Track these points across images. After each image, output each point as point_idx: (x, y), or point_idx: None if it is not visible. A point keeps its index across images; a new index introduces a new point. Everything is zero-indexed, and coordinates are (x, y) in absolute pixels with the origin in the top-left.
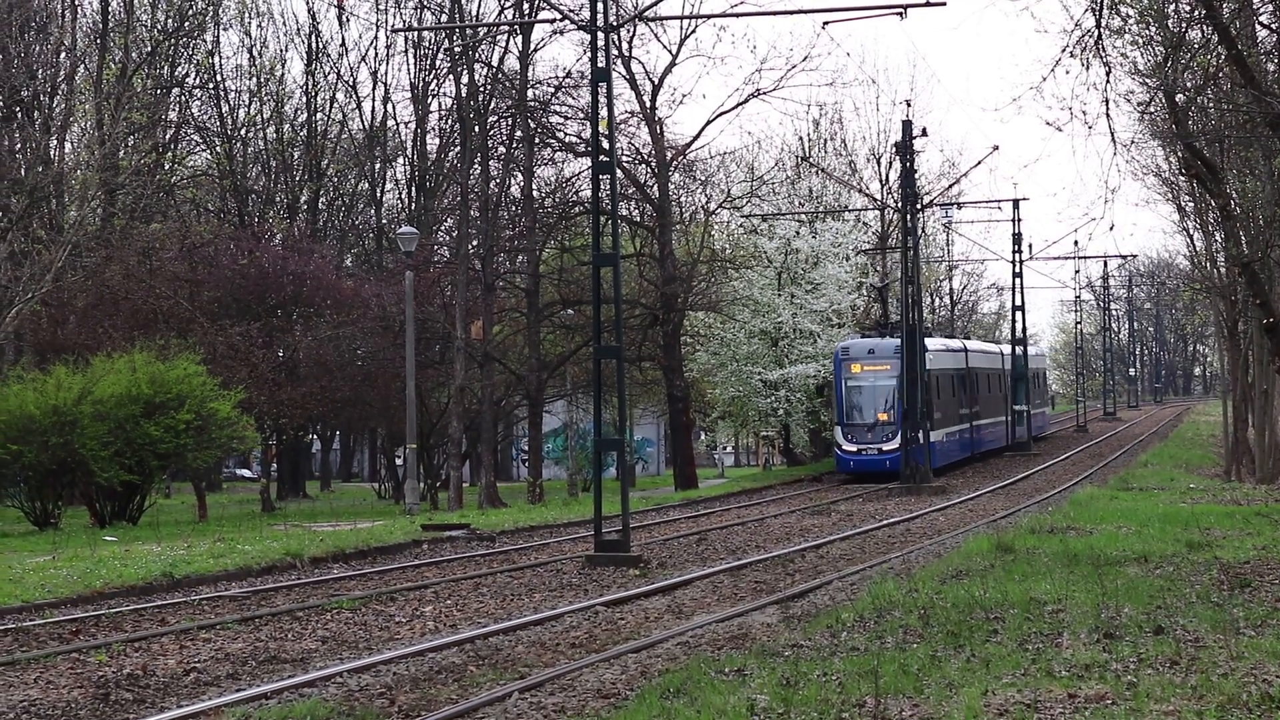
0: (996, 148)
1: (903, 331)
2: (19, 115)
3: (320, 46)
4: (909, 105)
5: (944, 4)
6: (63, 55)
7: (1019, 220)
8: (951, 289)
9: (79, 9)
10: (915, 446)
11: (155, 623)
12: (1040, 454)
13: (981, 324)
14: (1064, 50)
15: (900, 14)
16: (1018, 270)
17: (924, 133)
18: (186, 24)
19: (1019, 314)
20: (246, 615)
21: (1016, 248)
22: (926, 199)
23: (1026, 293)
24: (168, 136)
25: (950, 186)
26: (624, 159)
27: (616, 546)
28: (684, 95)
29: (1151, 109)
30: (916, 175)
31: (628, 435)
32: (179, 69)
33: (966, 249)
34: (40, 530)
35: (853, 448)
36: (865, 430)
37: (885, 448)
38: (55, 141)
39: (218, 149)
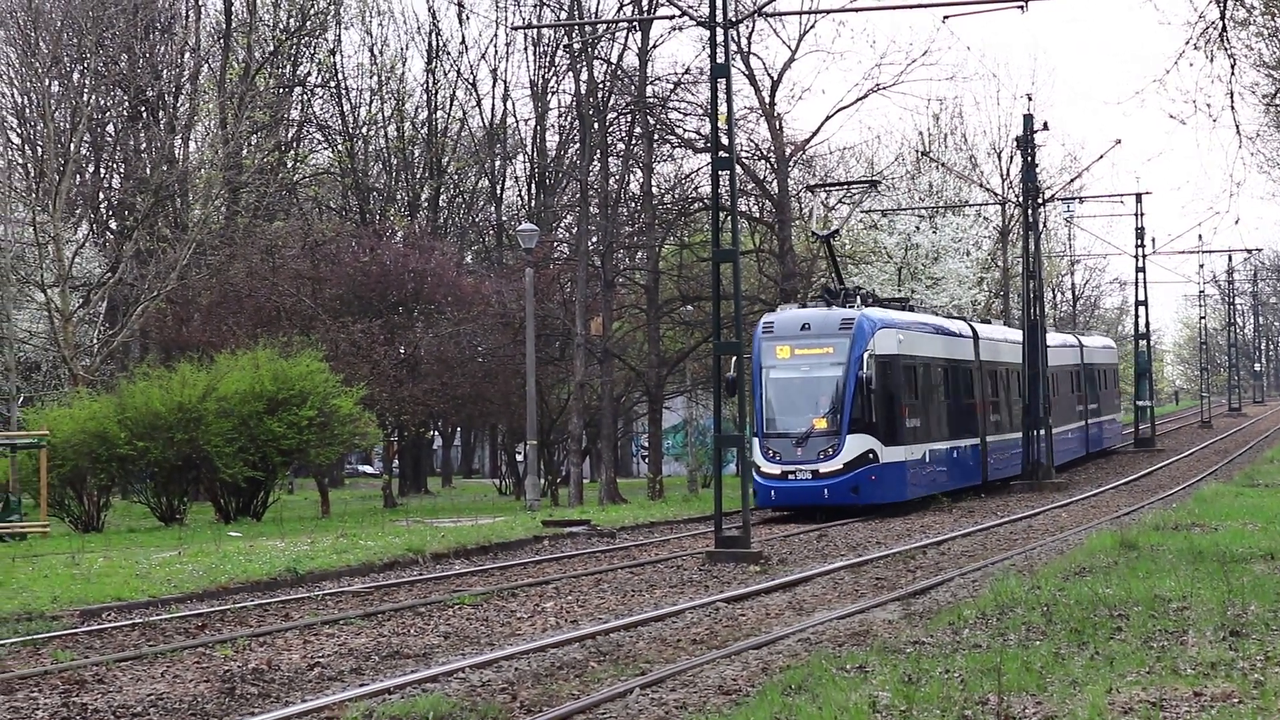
0: (1119, 141)
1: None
2: (144, 115)
3: (440, 44)
4: (1030, 99)
5: None
6: (187, 55)
7: (1141, 214)
8: (1073, 284)
9: (203, 9)
10: (1038, 443)
11: (279, 618)
12: (1163, 450)
13: (1103, 319)
14: (1187, 42)
15: (1021, 7)
16: (1140, 265)
17: (1045, 126)
18: (308, 23)
19: (1142, 309)
20: (369, 610)
21: (1139, 242)
22: (1048, 193)
23: (1149, 287)
24: (290, 135)
25: (1072, 181)
26: (743, 155)
27: (737, 543)
28: (803, 90)
29: (1278, 101)
30: (1037, 169)
31: (747, 432)
32: (301, 68)
33: (1088, 244)
34: (166, 526)
35: (774, 469)
36: (793, 443)
37: (824, 468)
38: (180, 141)
39: (339, 147)
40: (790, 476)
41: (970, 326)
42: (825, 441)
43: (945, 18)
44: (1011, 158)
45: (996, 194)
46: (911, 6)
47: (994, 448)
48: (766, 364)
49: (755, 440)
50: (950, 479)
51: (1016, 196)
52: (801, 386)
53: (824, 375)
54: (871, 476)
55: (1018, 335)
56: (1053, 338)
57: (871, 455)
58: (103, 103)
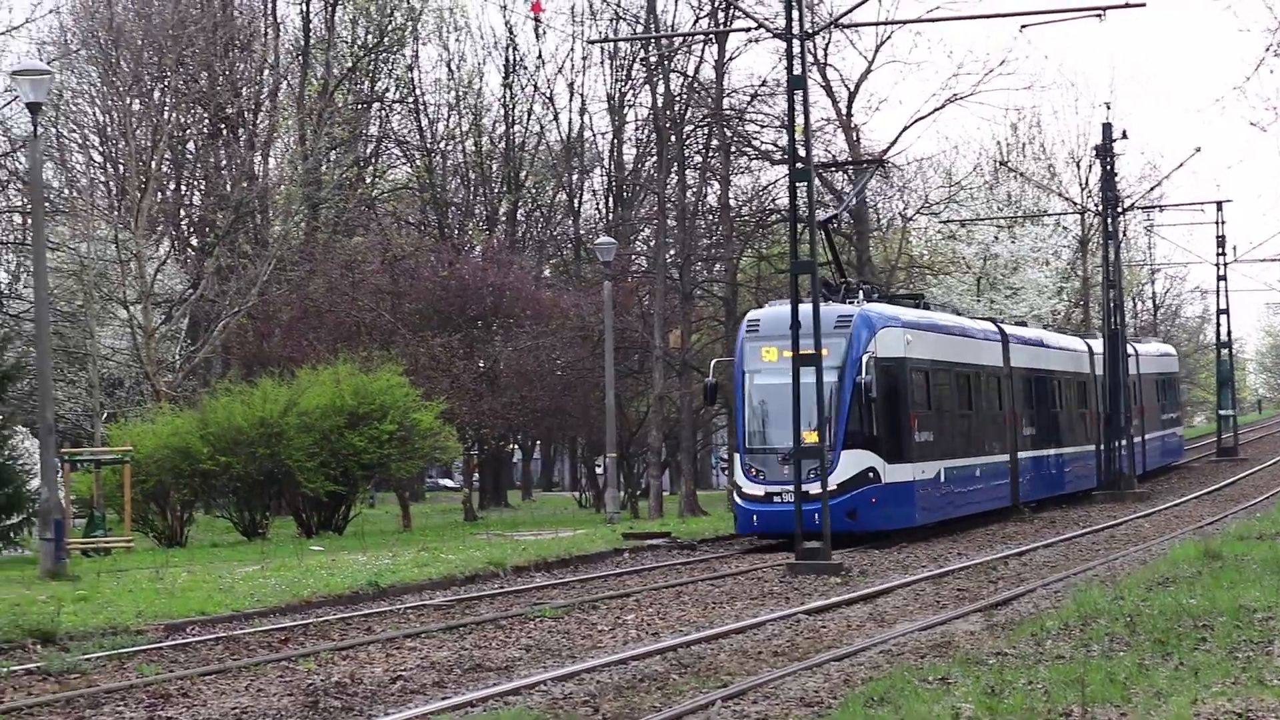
0: (1199, 149)
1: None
2: (224, 132)
3: (517, 59)
4: (1108, 107)
5: (1144, 4)
6: (266, 72)
7: (1223, 222)
8: (1154, 293)
9: (282, 27)
10: (1121, 452)
11: (362, 631)
12: (1246, 459)
13: (1185, 328)
14: (1267, 49)
15: (1099, 15)
16: (1222, 273)
17: (1124, 135)
18: (386, 39)
19: (1224, 317)
20: (451, 624)
21: (1220, 250)
22: (1127, 202)
23: (1231, 295)
24: (369, 150)
25: (1151, 189)
26: (821, 166)
27: (817, 554)
28: (880, 101)
29: None
30: (1117, 178)
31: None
32: (379, 84)
33: (1169, 252)
34: (248, 540)
35: (757, 490)
36: (778, 460)
37: (815, 490)
38: (260, 157)
39: (417, 162)
40: (775, 499)
41: (999, 328)
42: (816, 458)
43: (1023, 27)
44: (1090, 166)
45: (1075, 203)
46: (989, 16)
47: (1027, 465)
48: (750, 368)
49: (736, 457)
50: (972, 501)
51: (1096, 205)
52: (789, 395)
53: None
54: (872, 499)
55: (1063, 340)
56: (1098, 344)
57: (872, 474)
58: (183, 120)
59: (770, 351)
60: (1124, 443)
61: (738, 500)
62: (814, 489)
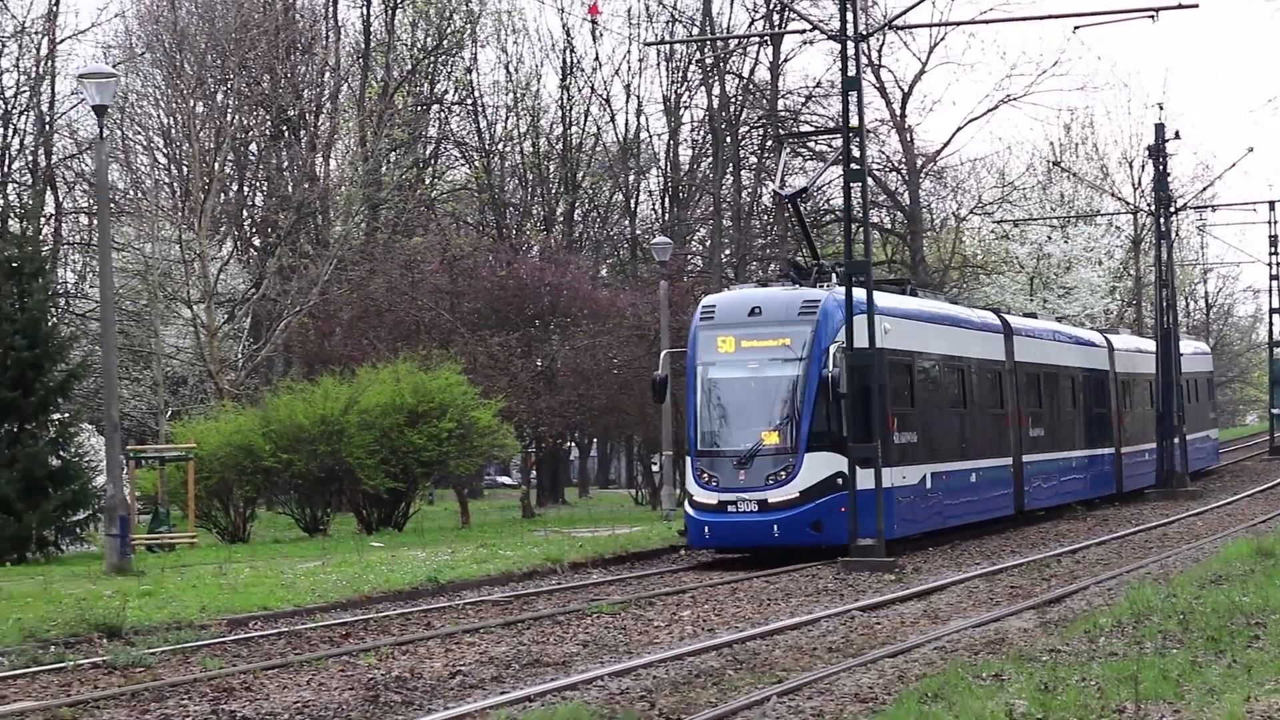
0: (1251, 149)
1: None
2: (286, 134)
3: (574, 61)
4: (1161, 108)
5: (1196, 5)
6: (327, 75)
7: (1275, 222)
8: (1206, 292)
9: (342, 30)
10: (1171, 451)
11: (421, 626)
12: None
13: (1237, 327)
14: None
15: (1152, 16)
16: (1274, 272)
17: (1176, 135)
18: (445, 42)
19: (1276, 316)
20: (509, 619)
21: (1273, 249)
22: (1180, 202)
23: None
24: (428, 152)
25: (1204, 189)
26: (874, 167)
27: (871, 551)
28: (934, 102)
29: None
30: (1169, 178)
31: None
32: (438, 86)
33: (1221, 252)
34: (310, 536)
35: (709, 498)
36: (734, 464)
37: (775, 497)
38: (321, 158)
39: (476, 163)
40: (730, 508)
41: (1002, 319)
42: (776, 462)
43: (1076, 28)
44: (1143, 167)
45: (1128, 203)
46: (1042, 18)
47: (1035, 470)
48: (703, 360)
49: (688, 460)
50: (967, 510)
51: (1148, 205)
52: (747, 390)
53: (776, 375)
54: (841, 508)
55: (1080, 333)
56: (1122, 340)
57: (840, 480)
58: (246, 122)
59: (726, 341)
60: (1176, 441)
61: (688, 509)
62: (774, 496)
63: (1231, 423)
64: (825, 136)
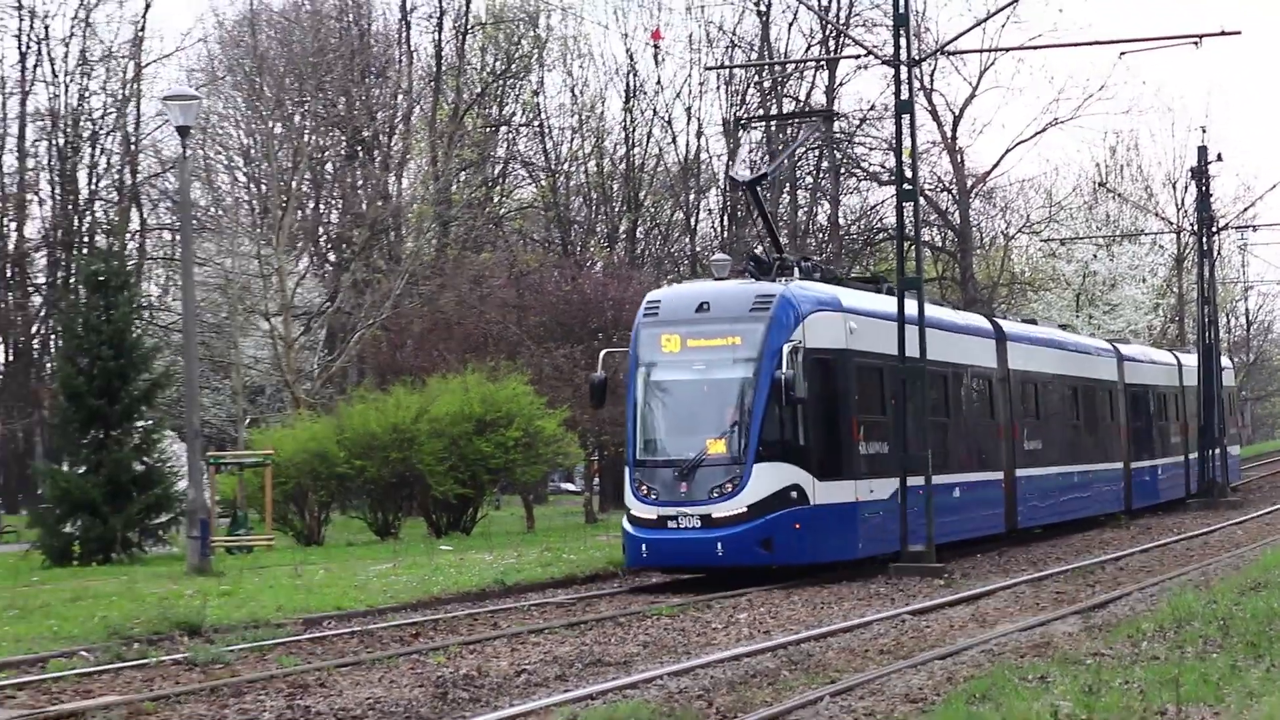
0: None
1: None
2: (361, 154)
3: (638, 85)
4: (1204, 131)
5: (1239, 33)
6: (400, 97)
7: None
8: (1247, 309)
9: (415, 54)
10: (1214, 463)
11: (488, 627)
12: None
13: (1277, 343)
14: None
15: (1196, 42)
16: None
17: (1219, 158)
18: (513, 66)
19: None
20: (572, 620)
21: None
22: (1222, 221)
23: None
24: (496, 171)
25: (1245, 209)
26: (926, 187)
27: (921, 557)
28: (984, 125)
29: None
30: (1212, 199)
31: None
32: (506, 108)
33: (1262, 270)
34: (382, 540)
35: (649, 512)
36: (675, 475)
37: (719, 512)
38: (394, 177)
39: (542, 182)
40: (670, 524)
41: (995, 325)
42: (722, 473)
43: (1122, 54)
44: (1186, 188)
45: (1172, 223)
46: (1089, 44)
47: (1030, 486)
48: (645, 360)
49: (626, 470)
50: (950, 526)
51: (1191, 225)
52: (691, 393)
53: (724, 377)
54: (795, 524)
55: (1085, 342)
56: (1133, 350)
57: (796, 493)
58: (322, 143)
59: (671, 340)
60: (1216, 452)
61: (625, 525)
62: (719, 511)
63: (1271, 435)
64: (879, 158)
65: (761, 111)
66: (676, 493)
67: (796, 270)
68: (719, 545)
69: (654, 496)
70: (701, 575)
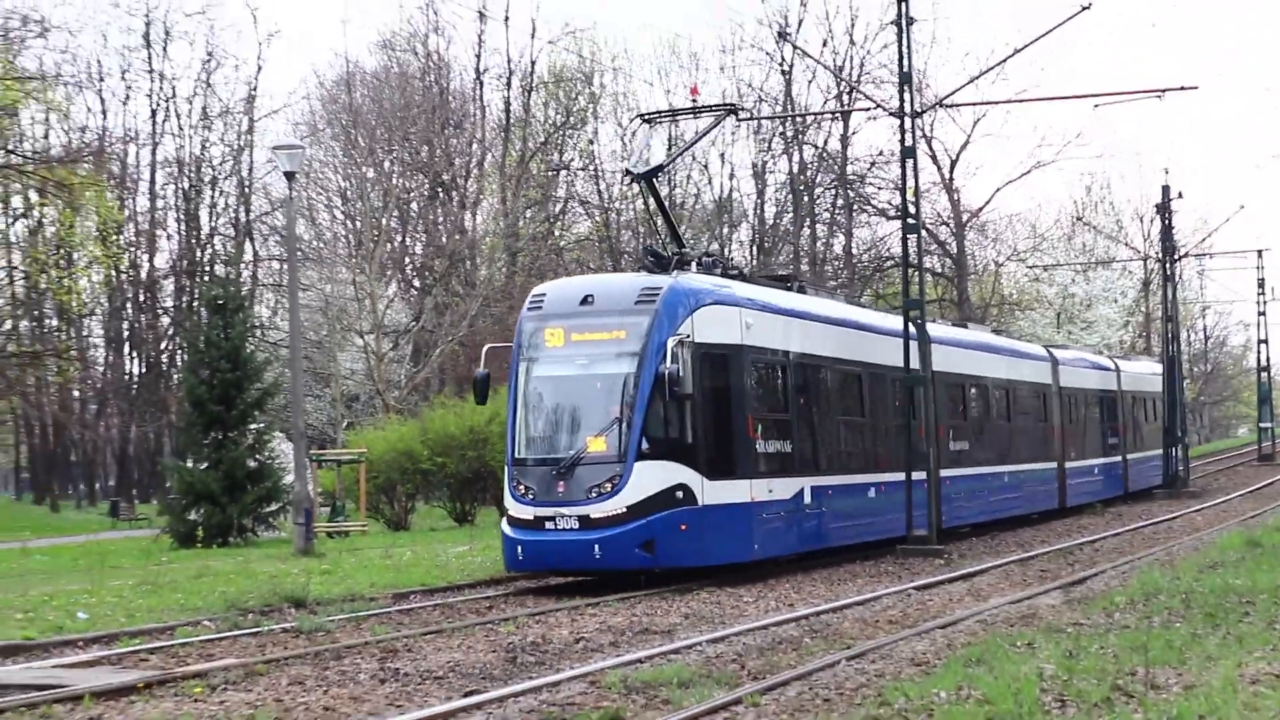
0: (1243, 206)
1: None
2: (440, 194)
3: (678, 134)
4: (1166, 172)
5: (1196, 88)
6: (474, 146)
7: (1262, 267)
8: (1204, 325)
9: (487, 109)
10: (1174, 458)
11: (552, 600)
12: None
13: (1230, 354)
14: None
15: (1159, 95)
16: (1261, 309)
17: (1179, 195)
18: (571, 119)
19: (1263, 345)
20: (624, 595)
21: (1260, 290)
22: (1182, 250)
23: (1270, 327)
24: (557, 209)
25: (1203, 240)
26: (928, 221)
27: (925, 541)
28: (977, 168)
29: None
30: (1174, 230)
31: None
32: (566, 154)
33: (1218, 292)
34: (460, 525)
35: (525, 513)
36: (553, 474)
37: (598, 513)
38: (469, 215)
39: (596, 218)
40: (547, 525)
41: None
42: (601, 472)
43: (1095, 105)
44: (1152, 221)
45: (1139, 251)
46: (1067, 97)
47: (953, 485)
48: (527, 355)
49: (505, 470)
50: (862, 528)
51: (1156, 253)
52: (573, 389)
53: (606, 372)
54: (681, 525)
55: (1020, 346)
56: (1065, 353)
57: (681, 494)
58: (408, 185)
59: (555, 334)
60: (1177, 450)
61: (504, 527)
62: (597, 511)
63: (1225, 434)
64: (886, 196)
65: (785, 157)
66: (554, 492)
67: (694, 265)
68: (596, 547)
69: (531, 496)
70: (592, 577)
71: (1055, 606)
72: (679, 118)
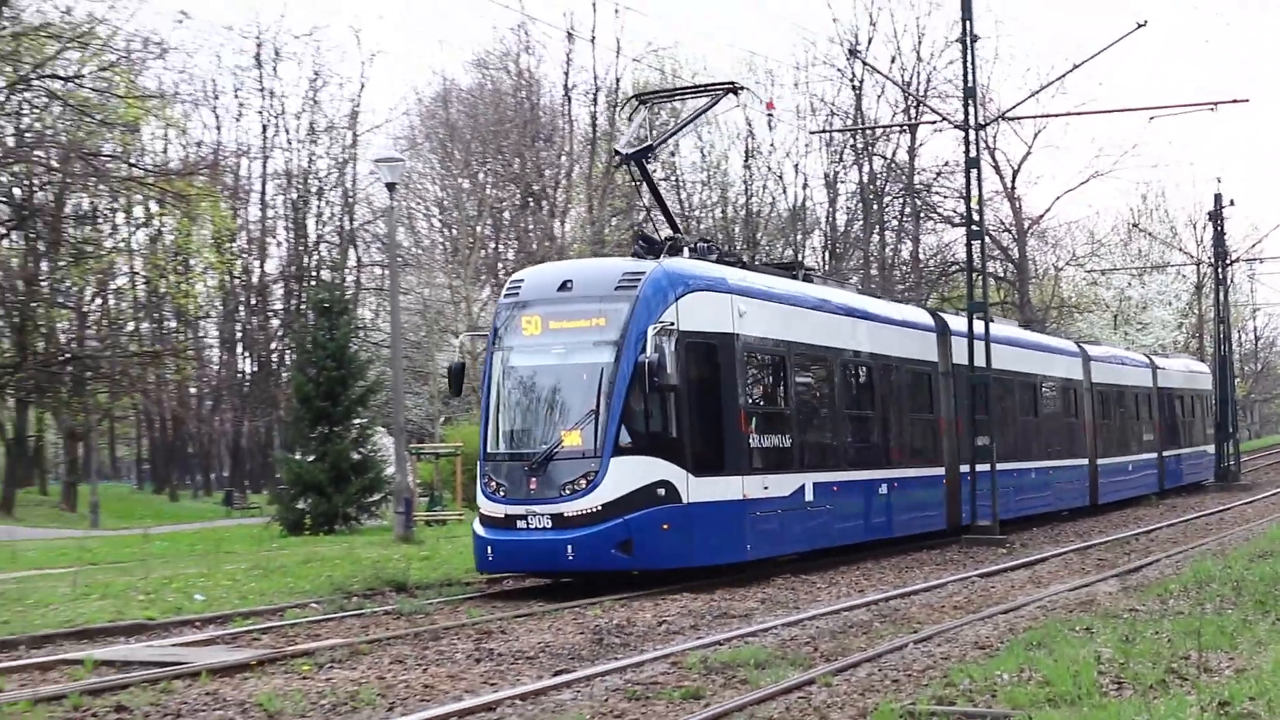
0: None
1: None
2: (531, 204)
3: (755, 146)
4: (1219, 181)
5: (1248, 100)
6: (563, 158)
7: None
8: (1255, 327)
9: (575, 124)
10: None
11: (635, 587)
12: None
13: (1279, 353)
14: None
15: (1212, 108)
16: None
17: (1231, 202)
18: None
19: None
20: (703, 581)
21: None
22: (1234, 255)
23: None
24: (640, 217)
25: (1254, 245)
26: (990, 228)
27: (987, 531)
28: (1037, 177)
29: None
30: (1225, 236)
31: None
32: (649, 166)
33: (1268, 295)
34: None
35: (496, 510)
36: (525, 470)
37: (571, 510)
38: (558, 223)
39: (678, 227)
40: (518, 524)
41: (937, 319)
42: (576, 468)
43: (1151, 118)
44: (1204, 227)
45: (1192, 256)
46: (1123, 110)
47: (983, 481)
48: (503, 344)
49: (479, 465)
50: (854, 528)
51: (1209, 258)
52: (549, 379)
53: (584, 361)
54: (662, 525)
55: (1048, 341)
56: (1098, 349)
57: (663, 491)
58: (500, 195)
59: (532, 321)
60: (1228, 446)
61: (475, 526)
62: (571, 509)
63: (1276, 430)
64: (951, 204)
65: (856, 168)
66: (526, 489)
67: (687, 250)
68: (569, 548)
69: (503, 494)
70: (568, 579)
71: (1112, 593)
72: (677, 98)
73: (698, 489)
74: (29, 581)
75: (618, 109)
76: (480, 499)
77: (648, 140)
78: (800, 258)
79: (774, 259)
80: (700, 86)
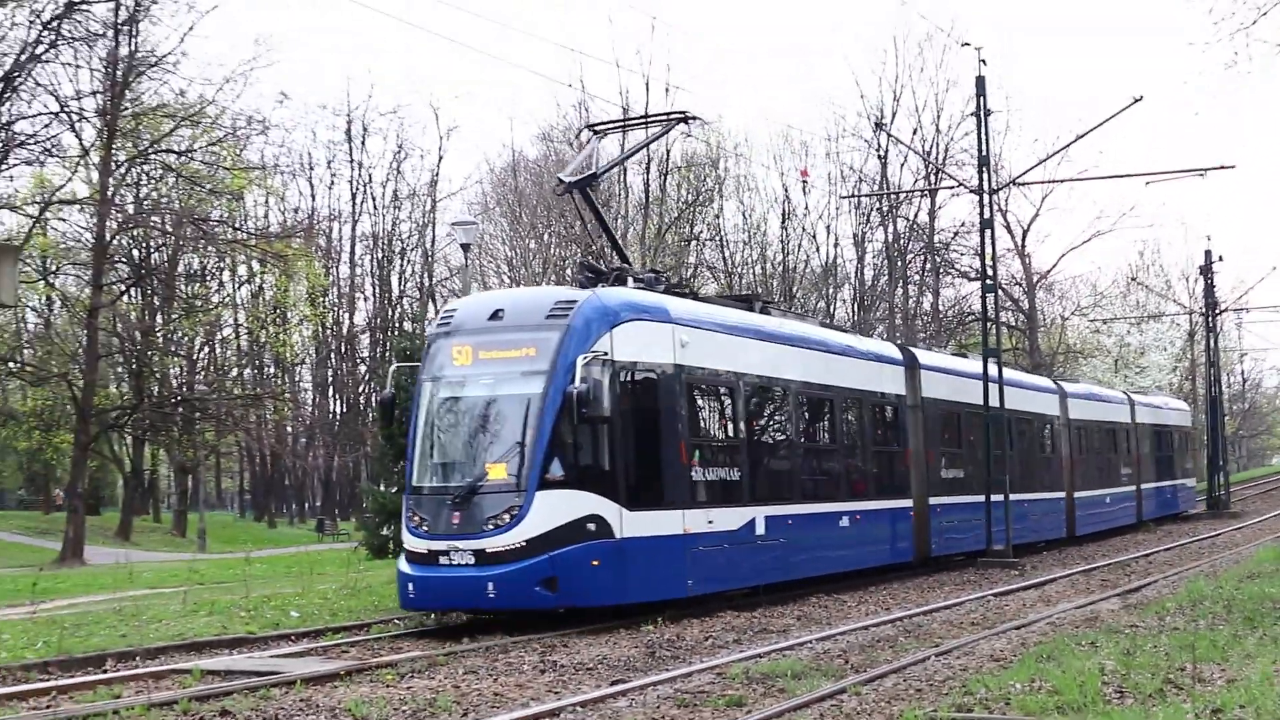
0: (1275, 267)
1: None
2: (590, 261)
3: (790, 209)
4: (1209, 239)
5: (1234, 166)
6: (619, 221)
7: None
8: (1242, 370)
9: (629, 190)
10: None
11: (684, 606)
12: None
13: (1265, 394)
14: None
15: (1201, 174)
16: None
17: (1220, 258)
18: (700, 197)
19: None
20: (744, 601)
21: None
22: (1223, 306)
23: None
24: (688, 274)
25: (1241, 296)
26: (1003, 282)
27: (1000, 555)
28: (1045, 236)
29: None
30: (1215, 288)
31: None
32: (695, 227)
33: (1254, 341)
34: None
35: (420, 546)
36: (449, 503)
37: (493, 546)
38: None
39: (720, 282)
40: (440, 559)
41: (904, 350)
42: (499, 502)
43: (1147, 183)
44: (1196, 280)
45: (1185, 307)
46: (1123, 176)
47: (941, 513)
48: (432, 374)
49: (404, 500)
50: (811, 561)
51: (1200, 308)
52: (476, 411)
53: (512, 392)
54: (592, 561)
55: (1031, 379)
56: (1074, 387)
57: (594, 525)
58: (563, 254)
59: (462, 351)
60: (1219, 477)
61: (400, 563)
62: (493, 545)
63: (1261, 463)
64: (968, 261)
65: (882, 229)
66: (449, 524)
67: (630, 280)
68: (490, 585)
69: (425, 529)
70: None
71: (1115, 611)
72: (630, 127)
73: (632, 523)
74: (144, 600)
75: (667, 176)
76: (404, 534)
77: (593, 169)
78: (831, 310)
79: (805, 308)
80: (653, 116)
